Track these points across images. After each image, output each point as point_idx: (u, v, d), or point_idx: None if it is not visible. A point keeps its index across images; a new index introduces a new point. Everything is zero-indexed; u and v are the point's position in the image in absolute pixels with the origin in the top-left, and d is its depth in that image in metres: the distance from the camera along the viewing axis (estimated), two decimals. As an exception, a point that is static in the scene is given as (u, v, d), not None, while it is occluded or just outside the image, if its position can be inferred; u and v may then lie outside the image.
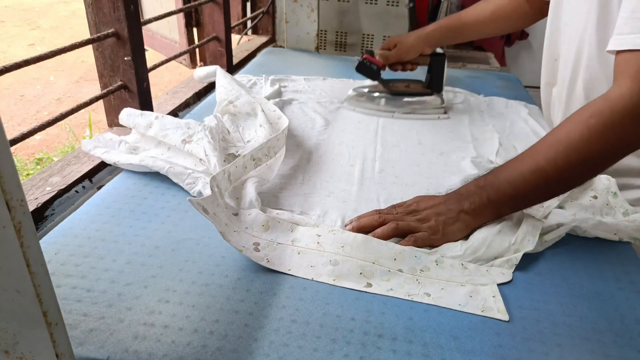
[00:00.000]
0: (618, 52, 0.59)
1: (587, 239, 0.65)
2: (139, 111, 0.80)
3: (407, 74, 1.08)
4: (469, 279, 0.56)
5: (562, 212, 0.68)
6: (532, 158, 0.60)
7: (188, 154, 0.72)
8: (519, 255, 0.59)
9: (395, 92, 1.02)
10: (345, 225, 0.63)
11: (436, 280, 0.56)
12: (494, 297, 0.54)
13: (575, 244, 0.64)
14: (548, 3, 0.89)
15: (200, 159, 0.70)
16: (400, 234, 0.61)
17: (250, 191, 0.65)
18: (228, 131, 0.81)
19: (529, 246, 0.60)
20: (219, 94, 0.92)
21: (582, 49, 0.79)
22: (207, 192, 0.65)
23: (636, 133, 0.56)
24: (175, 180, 0.71)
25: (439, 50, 1.04)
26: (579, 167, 0.58)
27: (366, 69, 1.01)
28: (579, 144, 0.56)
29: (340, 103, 1.05)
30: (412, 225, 0.61)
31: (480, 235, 0.61)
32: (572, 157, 0.57)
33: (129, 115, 0.80)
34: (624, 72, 0.57)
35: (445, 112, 1.03)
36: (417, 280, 0.56)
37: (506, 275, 0.57)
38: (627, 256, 0.62)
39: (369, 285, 0.55)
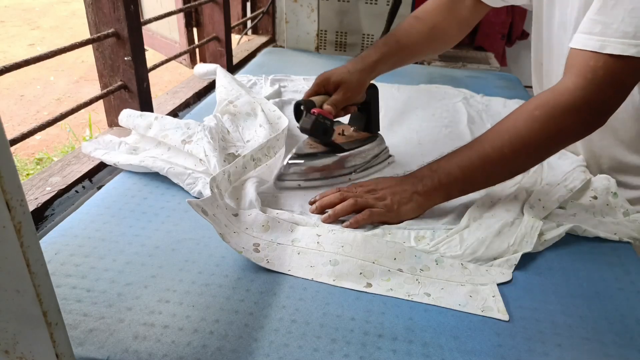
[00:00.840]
0: (571, 49, 0.62)
1: (587, 239, 0.65)
2: (139, 112, 0.80)
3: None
4: (468, 278, 0.56)
5: (562, 212, 0.68)
6: (481, 145, 0.64)
7: (188, 154, 0.72)
8: (518, 255, 0.59)
9: (339, 148, 0.76)
10: (310, 203, 0.68)
11: (436, 280, 0.56)
12: (493, 297, 0.54)
13: (575, 244, 0.64)
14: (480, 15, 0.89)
15: (200, 159, 0.70)
16: (359, 210, 0.64)
17: (250, 191, 0.65)
18: (228, 131, 0.81)
19: (528, 247, 0.60)
20: (219, 93, 0.92)
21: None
22: (207, 192, 0.65)
23: (575, 124, 0.60)
24: (175, 181, 0.71)
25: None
26: (522, 155, 0.62)
27: (322, 128, 0.72)
28: (523, 132, 0.61)
29: (275, 182, 0.73)
30: (370, 202, 0.64)
31: (480, 236, 0.61)
32: (516, 145, 0.61)
33: (128, 116, 0.80)
34: (571, 67, 0.61)
35: (390, 154, 0.83)
36: (417, 280, 0.56)
37: (506, 275, 0.57)
38: (627, 256, 0.62)
39: (369, 285, 0.55)
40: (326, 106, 0.74)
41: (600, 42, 0.58)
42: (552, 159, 0.80)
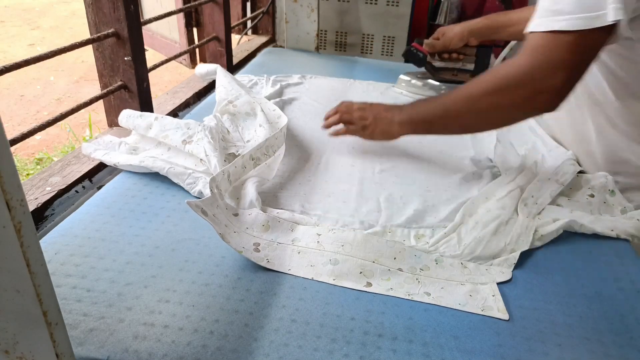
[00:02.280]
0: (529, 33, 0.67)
1: (587, 238, 0.65)
2: (138, 112, 0.80)
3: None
4: (468, 277, 0.56)
5: (558, 209, 0.68)
6: (446, 97, 0.73)
7: (188, 154, 0.72)
8: (517, 254, 0.60)
9: (441, 79, 1.10)
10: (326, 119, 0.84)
11: (436, 279, 0.56)
12: (493, 296, 0.54)
13: (575, 243, 0.64)
14: None
15: (201, 159, 0.70)
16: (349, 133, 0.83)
17: (250, 191, 0.65)
18: (228, 131, 0.81)
19: (524, 246, 0.61)
20: (218, 93, 0.92)
21: None
22: (208, 192, 0.65)
23: (523, 98, 0.64)
24: (175, 181, 0.71)
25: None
26: (473, 114, 0.70)
27: (412, 56, 1.09)
28: (476, 94, 0.68)
29: (391, 85, 1.17)
30: (353, 120, 0.81)
31: (477, 235, 0.61)
32: (469, 103, 0.69)
33: (128, 116, 0.80)
34: (525, 47, 0.65)
35: None
36: (417, 279, 0.56)
37: (505, 274, 0.57)
38: (627, 256, 0.62)
39: (369, 284, 0.55)
40: (425, 43, 1.09)
41: (536, 22, 0.62)
42: (545, 153, 0.80)
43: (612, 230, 0.65)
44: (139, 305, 0.50)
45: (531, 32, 0.64)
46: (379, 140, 0.81)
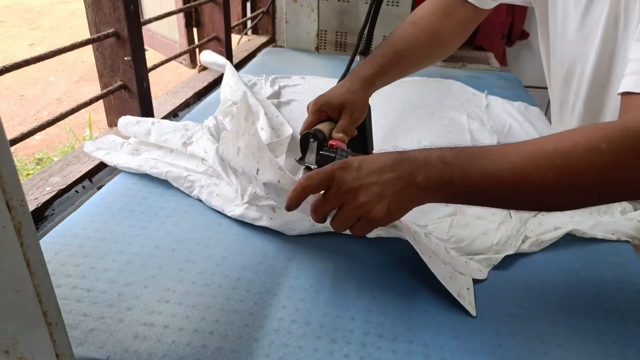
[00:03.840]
0: (628, 93, 0.52)
1: (587, 239, 0.65)
2: (135, 119, 0.79)
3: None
4: (450, 262, 0.56)
5: (559, 213, 0.68)
6: (519, 158, 0.48)
7: (190, 155, 0.72)
8: (500, 257, 0.59)
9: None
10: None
11: (427, 246, 0.56)
12: (467, 289, 0.54)
13: (574, 244, 0.64)
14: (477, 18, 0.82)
15: (202, 159, 0.70)
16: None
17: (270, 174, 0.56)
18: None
19: (510, 250, 0.61)
20: (223, 92, 0.92)
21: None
22: (204, 196, 0.65)
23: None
24: (174, 184, 0.71)
25: None
26: (569, 190, 0.48)
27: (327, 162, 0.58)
28: (580, 165, 0.46)
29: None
30: (358, 214, 0.49)
31: (467, 232, 0.62)
32: (567, 175, 0.47)
33: (126, 124, 0.79)
34: (630, 108, 0.51)
35: None
36: (413, 236, 0.55)
37: (482, 273, 0.57)
38: (627, 256, 0.62)
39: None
40: (338, 134, 0.65)
41: None
42: None
43: (612, 234, 0.65)
44: (139, 305, 0.50)
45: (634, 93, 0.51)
46: (392, 219, 0.51)
